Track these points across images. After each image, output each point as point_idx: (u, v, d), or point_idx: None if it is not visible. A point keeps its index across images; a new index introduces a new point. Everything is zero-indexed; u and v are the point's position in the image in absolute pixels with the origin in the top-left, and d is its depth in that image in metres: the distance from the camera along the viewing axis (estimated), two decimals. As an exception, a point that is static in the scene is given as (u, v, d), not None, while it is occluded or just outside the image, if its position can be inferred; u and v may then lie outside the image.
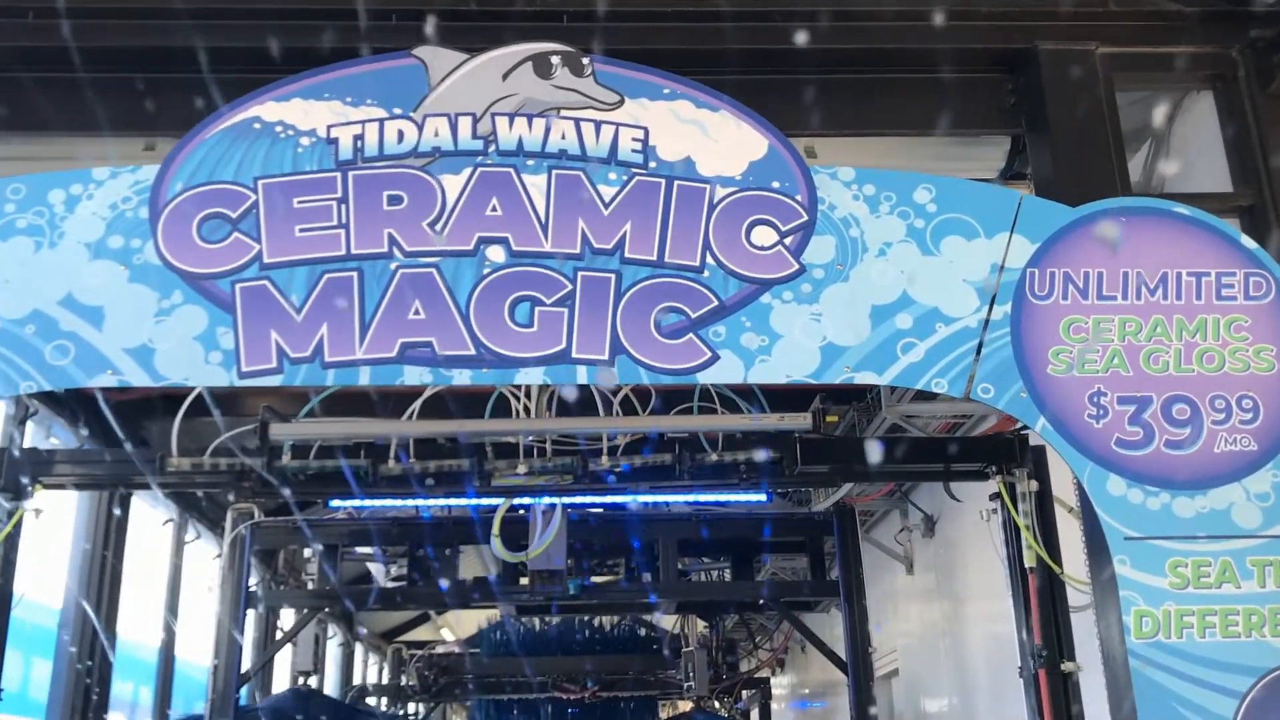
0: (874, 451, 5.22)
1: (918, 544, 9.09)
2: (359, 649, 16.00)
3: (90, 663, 7.51)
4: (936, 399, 6.05)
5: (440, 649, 14.10)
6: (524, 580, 7.88)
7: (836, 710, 12.20)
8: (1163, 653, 3.75)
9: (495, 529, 5.90)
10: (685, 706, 15.61)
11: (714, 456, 5.32)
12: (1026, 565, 4.94)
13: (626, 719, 13.80)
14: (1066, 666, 4.82)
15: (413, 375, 3.96)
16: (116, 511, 7.81)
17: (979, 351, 4.05)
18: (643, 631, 14.17)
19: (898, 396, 6.28)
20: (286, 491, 5.28)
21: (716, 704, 11.99)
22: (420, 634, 16.18)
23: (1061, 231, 4.19)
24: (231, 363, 3.93)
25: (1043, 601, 4.89)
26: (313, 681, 9.00)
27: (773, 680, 14.35)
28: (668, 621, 14.12)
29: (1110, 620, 3.90)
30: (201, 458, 5.10)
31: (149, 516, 9.01)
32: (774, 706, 14.05)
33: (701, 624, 14.06)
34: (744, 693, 13.57)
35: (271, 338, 3.94)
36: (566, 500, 6.06)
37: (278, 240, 4.03)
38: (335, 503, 7.52)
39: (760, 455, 5.29)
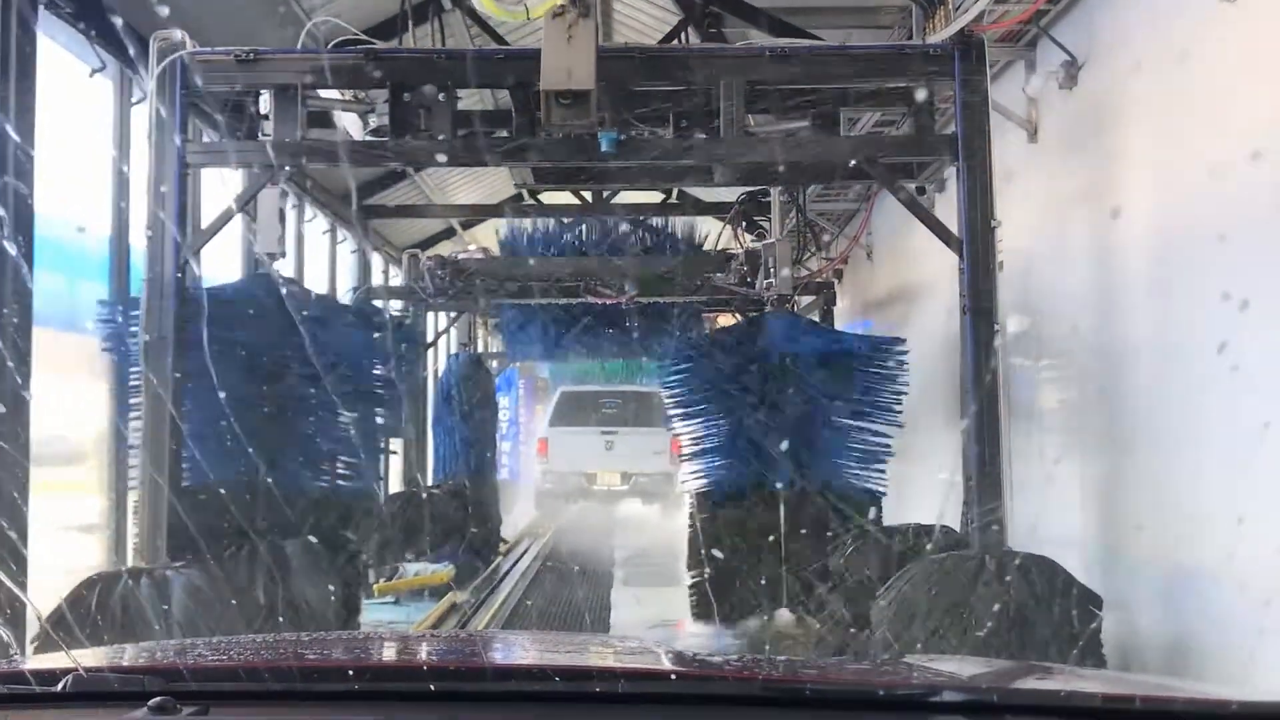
0: None
1: (1049, 101, 7.07)
2: (377, 260, 14.67)
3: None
4: None
5: (461, 255, 12.62)
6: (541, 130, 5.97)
7: (906, 321, 10.61)
8: None
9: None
10: (726, 321, 14.14)
11: None
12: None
13: (668, 330, 12.37)
14: None
15: None
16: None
17: None
18: (682, 237, 12.57)
19: None
20: None
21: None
22: (444, 248, 14.84)
23: None
24: None
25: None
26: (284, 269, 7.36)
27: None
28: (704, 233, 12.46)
29: None
30: None
31: (74, 71, 7.08)
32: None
33: (749, 236, 12.29)
34: (798, 301, 11.97)
35: None
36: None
37: None
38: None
39: None
